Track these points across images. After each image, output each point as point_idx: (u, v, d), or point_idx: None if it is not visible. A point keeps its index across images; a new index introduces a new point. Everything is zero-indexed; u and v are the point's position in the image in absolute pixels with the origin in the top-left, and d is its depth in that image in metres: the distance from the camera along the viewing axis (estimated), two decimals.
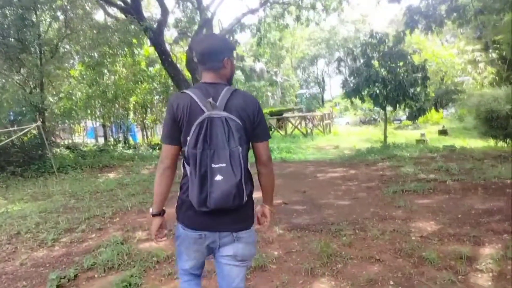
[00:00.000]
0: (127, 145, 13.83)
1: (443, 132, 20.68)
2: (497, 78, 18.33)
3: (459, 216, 4.45)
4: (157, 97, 17.18)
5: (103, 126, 16.95)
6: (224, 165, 1.74)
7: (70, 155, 11.25)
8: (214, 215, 1.83)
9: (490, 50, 19.08)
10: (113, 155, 11.60)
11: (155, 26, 11.58)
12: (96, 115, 14.41)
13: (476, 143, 14.79)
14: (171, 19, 17.65)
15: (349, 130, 25.26)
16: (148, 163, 10.63)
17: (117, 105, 14.27)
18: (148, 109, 17.27)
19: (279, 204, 5.53)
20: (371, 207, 5.07)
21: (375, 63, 10.72)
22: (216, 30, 15.41)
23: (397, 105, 10.50)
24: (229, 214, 1.86)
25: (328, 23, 51.90)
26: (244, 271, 2.04)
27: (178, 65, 15.15)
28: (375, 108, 31.90)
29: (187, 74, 13.41)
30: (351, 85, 11.24)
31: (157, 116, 18.56)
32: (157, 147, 13.40)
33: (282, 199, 5.84)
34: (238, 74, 24.65)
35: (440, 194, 5.49)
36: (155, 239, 2.03)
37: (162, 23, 11.86)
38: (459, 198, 5.22)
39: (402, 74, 10.38)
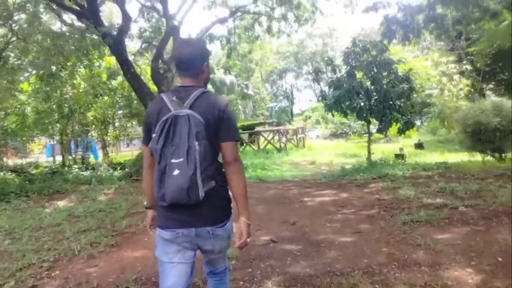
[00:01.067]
0: (85, 165, 12.37)
1: (419, 146, 20.31)
2: (472, 90, 18.09)
3: (499, 259, 3.52)
4: (120, 111, 15.80)
5: (61, 143, 15.38)
6: (182, 159, 1.78)
7: (16, 179, 9.75)
8: (188, 211, 1.86)
9: (464, 62, 18.91)
10: (67, 178, 10.18)
11: (115, 33, 10.38)
12: (50, 132, 12.79)
13: (455, 157, 14.33)
14: (134, 29, 16.51)
15: (323, 144, 24.60)
16: (107, 186, 9.31)
17: (74, 121, 12.75)
18: (110, 125, 15.86)
19: (267, 243, 4.47)
20: (383, 245, 4.08)
21: (358, 73, 9.92)
22: None
23: (383, 119, 9.68)
24: (200, 209, 1.87)
25: (296, 37, 52.11)
26: (222, 257, 2.19)
27: (142, 77, 13.96)
28: (346, 121, 31.90)
29: (152, 87, 12.22)
30: (331, 97, 10.38)
31: (120, 132, 17.18)
32: (119, 167, 12.06)
33: (269, 234, 4.77)
34: (208, 87, 23.59)
35: (459, 225, 4.58)
36: (149, 228, 2.23)
37: (124, 30, 10.67)
38: (484, 231, 4.31)
39: (386, 85, 9.62)
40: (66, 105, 11.96)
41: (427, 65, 18.36)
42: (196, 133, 1.80)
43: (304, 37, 54.72)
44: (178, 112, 1.84)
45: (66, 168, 11.37)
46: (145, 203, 2.20)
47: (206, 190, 1.81)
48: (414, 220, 4.79)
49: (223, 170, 1.99)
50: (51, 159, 17.18)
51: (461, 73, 19.02)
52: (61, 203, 7.77)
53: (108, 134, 16.20)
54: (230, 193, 2.02)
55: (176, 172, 1.77)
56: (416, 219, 4.82)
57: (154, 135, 1.86)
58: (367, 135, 35.55)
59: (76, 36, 9.31)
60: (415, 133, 29.51)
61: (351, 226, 4.91)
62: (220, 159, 1.99)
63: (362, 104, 9.61)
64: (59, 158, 16.17)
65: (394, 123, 10.08)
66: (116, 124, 16.51)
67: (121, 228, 5.41)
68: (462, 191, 6.13)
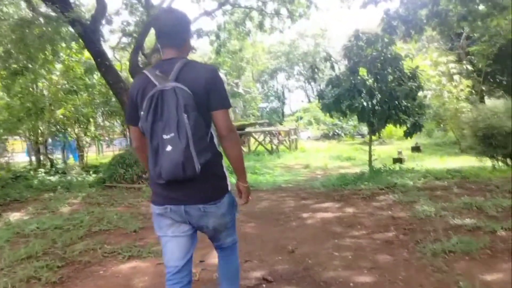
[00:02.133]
0: (54, 168, 11.09)
1: (416, 149, 19.46)
2: (473, 91, 17.22)
3: None
4: (99, 109, 14.49)
5: (32, 143, 14.02)
6: (173, 134, 1.74)
7: None
8: (178, 188, 1.86)
9: (464, 62, 18.06)
10: (30, 184, 8.95)
11: (88, 22, 9.18)
12: (16, 132, 11.37)
13: (456, 162, 13.53)
14: (117, 22, 15.34)
15: (316, 146, 23.57)
16: (74, 195, 8.12)
17: (43, 120, 11.42)
18: (88, 124, 14.55)
19: (258, 283, 3.37)
20: None
21: (362, 70, 8.87)
22: None
23: (387, 120, 8.65)
24: (192, 186, 1.86)
25: (288, 37, 51.27)
26: (224, 232, 2.11)
27: (121, 73, 12.78)
28: (339, 122, 30.89)
29: (131, 81, 11.05)
30: (330, 96, 9.33)
31: (101, 131, 15.95)
32: (92, 171, 10.88)
33: (261, 268, 3.68)
34: None
35: (507, 258, 3.54)
36: None
37: (98, 18, 9.49)
38: None
39: (391, 83, 8.59)
40: (34, 102, 10.65)
41: (426, 65, 17.42)
42: (184, 105, 1.75)
43: (296, 37, 53.91)
44: (163, 86, 1.79)
45: (31, 172, 10.12)
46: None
47: (202, 163, 1.79)
48: (446, 250, 3.72)
49: (215, 142, 1.98)
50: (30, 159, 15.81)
51: (460, 73, 18.18)
52: (15, 216, 6.57)
53: (87, 134, 14.95)
54: (225, 170, 2.01)
55: (169, 148, 1.75)
56: (449, 248, 3.76)
57: (142, 113, 1.81)
58: (359, 136, 34.73)
59: (35, 20, 8.03)
60: None
61: (366, 257, 3.83)
62: (213, 131, 1.97)
63: (365, 104, 8.58)
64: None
65: (399, 126, 9.07)
66: (94, 123, 15.25)
67: (73, 256, 4.26)
68: (492, 208, 5.09)
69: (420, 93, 9.15)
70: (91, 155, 20.00)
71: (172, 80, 1.81)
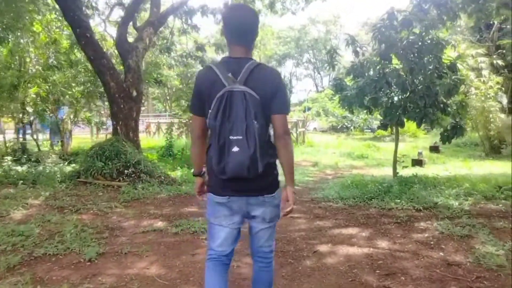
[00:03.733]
0: (26, 155, 9.63)
1: (434, 149, 17.96)
2: (502, 88, 15.58)
3: None
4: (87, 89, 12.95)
5: (23, 123, 12.55)
6: (240, 137, 1.87)
7: None
8: (240, 181, 1.96)
9: (495, 56, 16.35)
10: None
11: None
12: None
13: (481, 167, 12.22)
14: None
15: (324, 140, 22.04)
16: (38, 192, 6.69)
17: (18, 98, 9.92)
18: (78, 104, 13.07)
19: None
20: None
21: (394, 57, 7.30)
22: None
23: (422, 120, 7.12)
24: (254, 181, 1.97)
25: (298, 22, 49.40)
26: (270, 231, 2.22)
27: (112, 50, 11.30)
28: (349, 115, 29.21)
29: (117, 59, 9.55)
30: (353, 87, 7.83)
31: (93, 113, 14.55)
32: (72, 159, 9.45)
33: None
34: (198, 67, 20.90)
35: None
36: (198, 195, 2.32)
37: None
38: None
39: (430, 76, 7.04)
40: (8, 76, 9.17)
41: (453, 57, 15.77)
42: (255, 113, 1.86)
43: (306, 23, 52.02)
44: (232, 88, 1.88)
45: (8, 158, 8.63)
46: (192, 170, 2.25)
47: (264, 165, 1.93)
48: None
49: (273, 142, 2.06)
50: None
51: (495, 69, 16.49)
52: None
53: (76, 115, 13.50)
54: (278, 169, 2.10)
55: (235, 149, 1.86)
56: None
57: (210, 110, 1.91)
58: (368, 130, 32.93)
59: None
60: (421, 132, 26.89)
61: None
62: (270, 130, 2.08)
63: (396, 98, 7.07)
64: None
65: (434, 127, 7.57)
66: (89, 103, 13.79)
67: None
68: None
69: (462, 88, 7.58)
70: (86, 137, 18.66)
71: (241, 83, 1.90)
